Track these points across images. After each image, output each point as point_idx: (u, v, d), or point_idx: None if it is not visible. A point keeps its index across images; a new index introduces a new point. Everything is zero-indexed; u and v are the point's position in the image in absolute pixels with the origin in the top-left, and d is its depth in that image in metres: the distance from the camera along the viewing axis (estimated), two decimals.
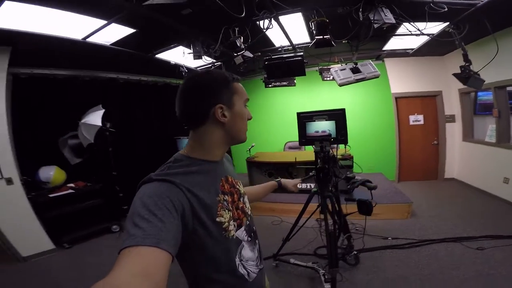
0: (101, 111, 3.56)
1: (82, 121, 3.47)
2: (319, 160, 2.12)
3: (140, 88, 4.62)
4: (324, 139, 2.12)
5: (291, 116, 5.70)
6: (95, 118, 3.47)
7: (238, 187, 0.86)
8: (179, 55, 3.37)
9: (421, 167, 5.36)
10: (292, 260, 2.60)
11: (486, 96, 4.31)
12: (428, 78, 4.96)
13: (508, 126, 3.81)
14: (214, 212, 0.69)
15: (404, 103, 5.23)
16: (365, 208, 1.96)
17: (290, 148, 5.52)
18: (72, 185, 3.59)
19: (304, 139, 2.28)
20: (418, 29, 2.37)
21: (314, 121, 2.22)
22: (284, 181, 1.40)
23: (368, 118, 5.39)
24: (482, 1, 2.21)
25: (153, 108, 4.86)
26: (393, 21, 2.05)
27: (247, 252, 0.80)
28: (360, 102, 5.37)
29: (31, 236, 3.11)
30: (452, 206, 3.87)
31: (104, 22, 2.23)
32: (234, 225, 0.76)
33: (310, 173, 2.27)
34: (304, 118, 2.29)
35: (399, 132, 5.29)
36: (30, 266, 2.99)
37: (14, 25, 2.21)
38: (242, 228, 0.80)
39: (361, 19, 2.11)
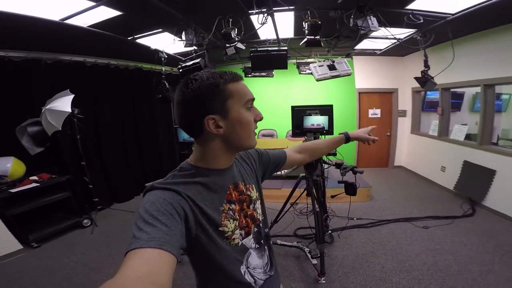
0: (70, 97, 3.23)
1: (47, 107, 3.10)
2: None
3: (108, 72, 4.26)
4: (318, 131, 2.36)
5: (267, 105, 6.03)
6: (63, 104, 3.13)
7: (249, 193, 0.82)
8: (160, 41, 3.24)
9: (375, 155, 6.07)
10: (279, 241, 2.83)
11: (433, 95, 5.04)
12: (388, 76, 5.57)
13: (448, 122, 4.55)
14: (217, 222, 0.68)
15: (366, 98, 5.80)
16: (352, 189, 2.28)
17: (264, 135, 5.82)
18: (35, 178, 3.23)
19: (299, 130, 2.48)
20: (394, 36, 2.69)
21: (311, 115, 2.43)
22: (353, 132, 1.25)
23: (335, 110, 5.81)
24: (452, 14, 2.60)
25: (123, 93, 4.55)
26: (378, 29, 2.30)
27: (255, 259, 0.79)
28: (328, 95, 5.77)
29: None
30: (401, 191, 4.53)
31: (92, 3, 2.04)
32: (241, 234, 0.75)
33: None
34: (300, 112, 2.48)
35: (359, 124, 5.87)
36: None
37: None
38: (250, 236, 0.79)
39: (350, 25, 2.32)
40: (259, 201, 0.87)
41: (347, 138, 1.22)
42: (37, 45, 3.18)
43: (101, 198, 4.01)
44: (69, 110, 3.16)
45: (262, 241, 0.83)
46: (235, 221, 0.73)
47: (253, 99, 0.73)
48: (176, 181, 0.66)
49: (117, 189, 4.49)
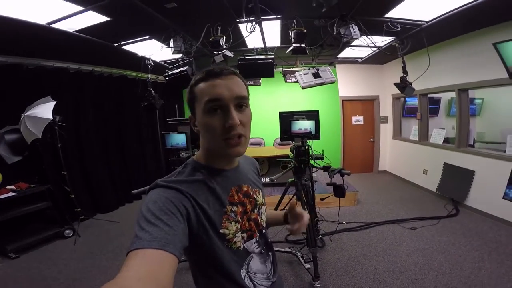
0: (52, 103, 3.13)
1: (27, 113, 2.99)
2: (297, 153, 2.40)
3: (92, 79, 4.17)
4: (305, 136, 2.41)
5: (254, 114, 5.81)
6: (44, 110, 3.04)
7: (255, 196, 0.80)
8: (147, 48, 3.23)
9: (360, 161, 6.24)
10: None
11: (412, 101, 5.30)
12: (370, 83, 5.82)
13: (427, 127, 4.77)
14: (218, 223, 0.67)
15: (349, 105, 6.01)
16: (340, 191, 2.32)
17: (251, 144, 5.77)
18: (12, 187, 3.09)
19: (287, 135, 2.53)
20: (374, 44, 2.84)
21: (298, 120, 2.48)
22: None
23: (320, 118, 5.96)
24: (426, 22, 2.79)
25: (107, 100, 4.46)
26: (359, 37, 2.42)
27: (257, 264, 0.77)
28: (314, 104, 5.90)
29: None
30: (387, 194, 4.66)
31: (80, 8, 2.02)
32: (243, 237, 0.73)
33: (289, 165, 2.54)
34: (287, 117, 2.53)
35: (344, 130, 6.05)
36: None
37: None
38: (253, 240, 0.76)
39: (334, 33, 2.42)
40: (264, 207, 0.85)
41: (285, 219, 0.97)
42: (19, 50, 3.09)
43: (84, 208, 3.85)
44: (50, 117, 3.07)
45: (265, 246, 0.81)
46: (237, 224, 0.71)
47: (218, 99, 0.64)
48: (179, 179, 0.66)
49: (101, 199, 4.33)
